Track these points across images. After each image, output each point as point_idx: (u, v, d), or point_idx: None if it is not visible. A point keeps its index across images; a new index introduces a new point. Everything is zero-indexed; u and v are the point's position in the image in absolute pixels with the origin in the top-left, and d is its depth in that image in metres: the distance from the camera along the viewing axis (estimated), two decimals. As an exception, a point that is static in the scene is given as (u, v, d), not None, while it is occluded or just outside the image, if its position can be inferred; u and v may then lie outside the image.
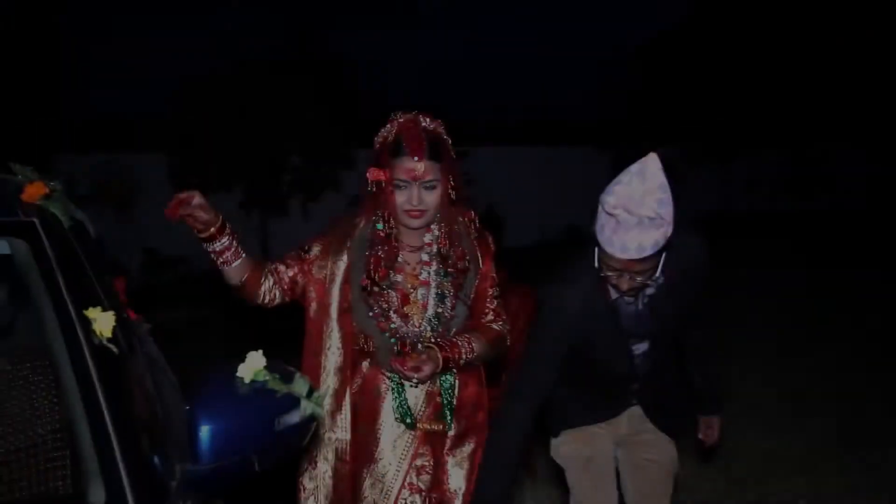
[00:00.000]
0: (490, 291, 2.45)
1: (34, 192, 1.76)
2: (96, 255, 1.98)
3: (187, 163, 11.37)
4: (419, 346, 2.30)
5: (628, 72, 18.99)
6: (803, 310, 7.44)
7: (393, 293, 2.33)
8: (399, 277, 2.35)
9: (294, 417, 1.63)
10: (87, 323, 1.52)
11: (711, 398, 2.80)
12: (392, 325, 2.32)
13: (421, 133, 2.22)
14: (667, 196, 2.09)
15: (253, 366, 1.62)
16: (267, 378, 1.62)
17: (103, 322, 1.52)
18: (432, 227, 2.36)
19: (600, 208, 2.17)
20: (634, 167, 2.11)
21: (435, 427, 2.37)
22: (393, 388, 2.35)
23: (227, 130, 10.87)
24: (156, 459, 1.48)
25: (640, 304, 2.41)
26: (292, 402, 1.63)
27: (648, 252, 2.11)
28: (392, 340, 2.33)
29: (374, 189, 2.27)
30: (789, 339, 6.48)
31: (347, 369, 2.35)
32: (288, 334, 2.67)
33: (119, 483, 1.33)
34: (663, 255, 2.22)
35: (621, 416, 2.66)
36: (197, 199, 2.09)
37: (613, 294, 2.37)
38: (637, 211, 2.08)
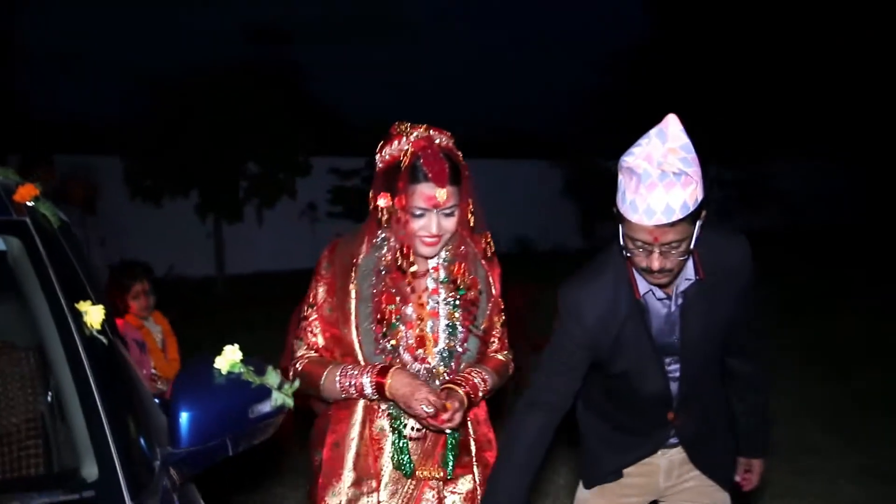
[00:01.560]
0: (496, 319, 2.28)
1: (26, 193, 1.88)
2: (82, 253, 2.10)
3: (144, 167, 11.35)
4: (433, 386, 2.09)
5: (583, 88, 19.41)
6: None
7: (402, 328, 2.13)
8: (409, 309, 2.15)
9: (266, 406, 1.78)
10: (78, 315, 1.65)
11: (756, 437, 2.42)
12: (401, 364, 2.12)
13: (440, 156, 2.02)
14: (692, 156, 1.89)
15: (229, 358, 1.76)
16: (242, 370, 1.77)
17: (93, 315, 1.65)
18: (463, 248, 2.19)
19: (619, 174, 1.94)
20: (653, 130, 1.91)
21: (435, 474, 2.17)
22: (392, 433, 2.15)
23: (185, 136, 10.88)
24: (141, 441, 1.61)
25: (673, 304, 2.13)
26: (265, 392, 1.78)
27: (678, 215, 1.86)
28: None
29: (385, 216, 2.08)
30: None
31: (361, 412, 2.18)
32: (250, 343, 2.50)
33: (110, 461, 1.46)
34: (695, 237, 1.95)
35: (658, 461, 2.33)
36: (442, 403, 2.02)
37: (642, 288, 2.11)
38: (661, 166, 1.86)
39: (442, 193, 2.00)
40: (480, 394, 2.13)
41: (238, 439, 1.73)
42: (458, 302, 2.16)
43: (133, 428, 1.61)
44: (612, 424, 2.35)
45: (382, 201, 2.07)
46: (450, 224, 2.07)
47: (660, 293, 2.12)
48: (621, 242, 2.01)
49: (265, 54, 16.17)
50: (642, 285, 2.11)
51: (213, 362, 1.75)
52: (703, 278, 2.08)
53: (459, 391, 2.06)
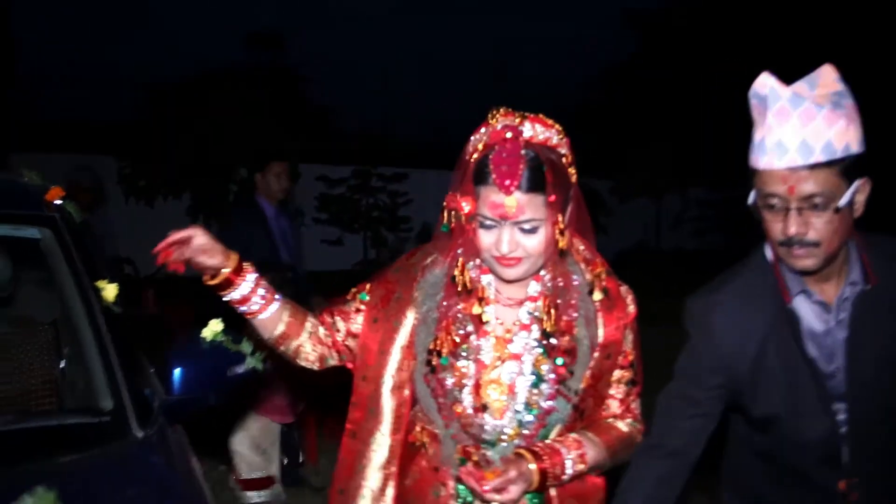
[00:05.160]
0: (619, 374, 1.77)
1: (55, 194, 2.36)
2: (98, 243, 2.58)
3: (137, 167, 11.83)
4: (499, 449, 1.70)
5: (564, 105, 19.87)
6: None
7: (471, 365, 1.70)
8: (483, 343, 1.71)
9: (240, 368, 2.26)
10: (97, 291, 2.14)
11: None
12: (460, 412, 1.70)
13: (520, 153, 1.57)
14: (848, 101, 1.54)
15: (213, 329, 2.25)
16: (222, 339, 2.25)
17: (109, 291, 2.14)
18: (542, 273, 1.71)
19: (751, 113, 1.60)
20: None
21: None
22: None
23: (177, 140, 11.36)
24: (145, 389, 2.09)
25: (833, 318, 1.64)
26: (240, 357, 2.27)
27: (819, 157, 1.48)
28: (452, 437, 1.73)
29: (453, 221, 1.67)
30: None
31: (394, 467, 1.78)
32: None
33: (121, 398, 1.94)
34: (848, 199, 1.53)
35: None
36: (198, 238, 1.68)
37: (794, 288, 1.65)
38: (797, 93, 1.53)
39: (511, 201, 1.57)
40: (571, 470, 1.67)
41: (218, 392, 2.21)
42: (546, 345, 1.69)
43: (137, 377, 2.10)
44: (758, 497, 1.83)
45: (447, 201, 1.68)
46: (532, 243, 1.61)
47: (816, 296, 1.65)
48: (752, 204, 1.61)
49: (258, 59, 16.65)
50: (793, 285, 1.65)
51: (201, 332, 2.24)
52: (875, 289, 1.62)
53: (529, 465, 1.61)
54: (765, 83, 1.55)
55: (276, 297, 1.79)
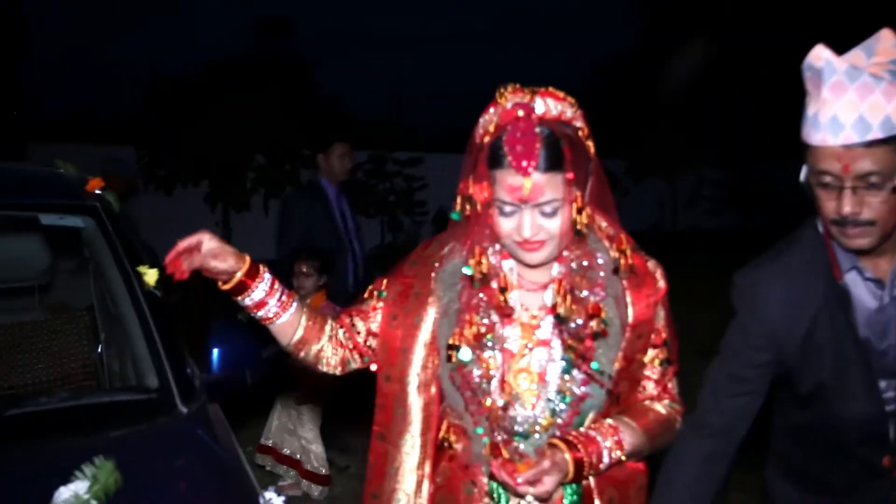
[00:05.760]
0: (652, 354, 1.68)
1: (95, 184, 2.47)
2: (136, 230, 2.70)
3: (156, 157, 11.99)
4: (532, 441, 1.62)
5: (580, 87, 19.89)
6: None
7: (498, 355, 1.62)
8: (509, 332, 1.64)
9: (275, 349, 2.38)
10: (139, 275, 2.24)
11: None
12: (490, 406, 1.61)
13: (534, 131, 1.48)
14: None
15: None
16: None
17: (150, 275, 2.25)
18: (565, 254, 1.61)
19: (805, 85, 1.52)
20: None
21: None
22: (495, 500, 1.66)
23: (196, 129, 11.50)
24: (187, 367, 2.21)
25: (887, 294, 1.60)
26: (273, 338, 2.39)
27: (877, 133, 1.41)
28: (483, 433, 1.64)
29: (467, 209, 1.60)
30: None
31: (427, 467, 1.68)
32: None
33: (166, 377, 2.05)
34: None
35: None
36: (207, 242, 1.58)
37: (844, 265, 1.60)
38: (857, 63, 1.45)
39: (529, 183, 1.48)
40: (609, 459, 1.59)
41: (254, 372, 2.32)
42: (578, 330, 1.59)
43: (180, 357, 2.21)
44: (806, 484, 1.80)
45: (461, 188, 1.60)
46: (554, 224, 1.53)
47: (869, 273, 1.60)
48: (804, 181, 1.55)
49: (272, 47, 16.73)
50: (844, 261, 1.61)
51: (237, 315, 2.35)
52: None
53: (563, 455, 1.53)
54: (819, 55, 1.46)
55: (294, 300, 1.70)
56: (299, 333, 1.71)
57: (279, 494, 1.82)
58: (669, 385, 1.73)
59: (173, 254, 1.57)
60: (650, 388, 1.70)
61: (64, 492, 1.53)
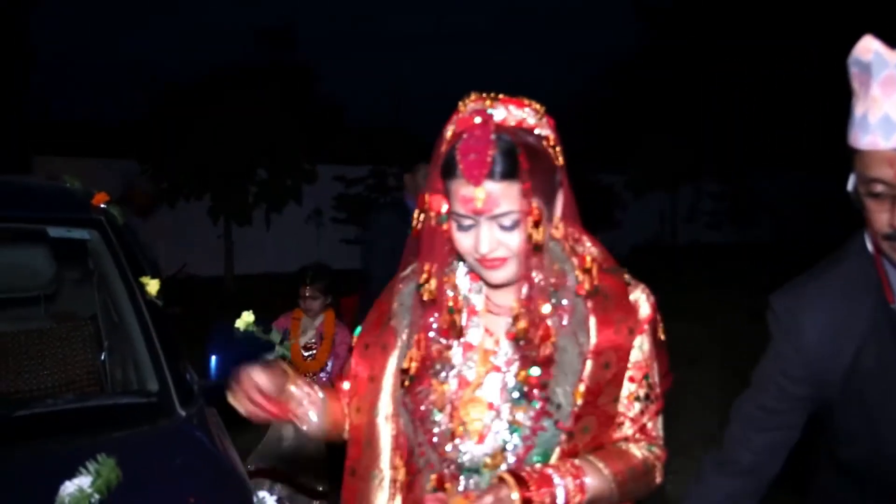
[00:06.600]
0: (630, 390, 1.49)
1: (100, 198, 2.59)
2: (140, 242, 2.81)
3: (158, 168, 12.11)
4: (483, 476, 1.46)
5: (578, 101, 19.99)
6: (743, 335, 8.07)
7: (453, 382, 1.49)
8: (468, 357, 1.50)
9: (270, 355, 2.49)
10: (141, 285, 2.36)
11: None
12: (437, 435, 1.48)
13: (489, 138, 1.36)
14: None
15: (245, 319, 2.47)
16: (253, 329, 2.48)
17: (152, 286, 2.37)
18: (533, 274, 1.44)
19: (851, 83, 1.36)
20: None
21: None
22: None
23: (196, 134, 11.61)
24: (186, 373, 2.32)
25: None
26: (270, 346, 2.49)
27: None
28: (430, 465, 1.51)
29: (423, 223, 1.48)
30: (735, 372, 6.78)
31: (398, 502, 1.56)
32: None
33: (166, 381, 2.16)
34: None
35: None
36: (258, 377, 1.48)
37: None
38: None
39: (481, 193, 1.35)
40: (564, 501, 1.38)
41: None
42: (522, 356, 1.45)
43: (179, 363, 2.32)
44: None
45: (419, 202, 1.49)
46: (515, 240, 1.39)
47: None
48: (851, 190, 1.38)
49: (274, 58, 16.87)
50: None
51: (234, 323, 2.46)
52: None
53: (510, 492, 1.34)
54: (868, 47, 1.30)
55: (319, 392, 1.53)
56: (329, 420, 1.55)
57: (272, 494, 1.94)
58: (649, 425, 1.52)
59: (259, 407, 1.46)
60: (626, 427, 1.51)
61: (69, 486, 1.65)
